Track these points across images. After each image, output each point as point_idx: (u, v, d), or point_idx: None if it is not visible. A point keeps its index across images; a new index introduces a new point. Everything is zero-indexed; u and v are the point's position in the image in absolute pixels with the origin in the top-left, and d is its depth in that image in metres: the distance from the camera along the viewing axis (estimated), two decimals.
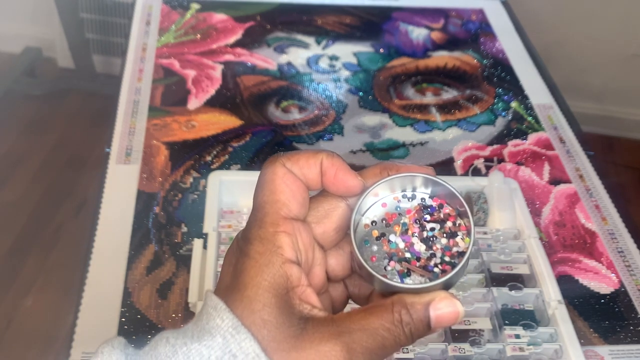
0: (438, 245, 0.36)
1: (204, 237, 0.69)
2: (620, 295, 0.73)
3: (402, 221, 0.37)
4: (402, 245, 0.36)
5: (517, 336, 0.63)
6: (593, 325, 0.69)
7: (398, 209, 0.38)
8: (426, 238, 0.36)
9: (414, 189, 0.38)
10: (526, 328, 0.64)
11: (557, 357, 0.63)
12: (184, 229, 0.75)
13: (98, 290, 0.68)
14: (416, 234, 0.36)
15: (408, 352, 0.61)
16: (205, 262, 0.67)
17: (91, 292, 0.68)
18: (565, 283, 0.72)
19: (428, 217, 0.37)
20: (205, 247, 0.68)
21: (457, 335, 0.64)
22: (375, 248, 0.36)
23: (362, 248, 0.36)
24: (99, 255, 0.72)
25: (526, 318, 0.65)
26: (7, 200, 1.79)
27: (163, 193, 0.80)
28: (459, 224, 0.37)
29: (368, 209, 0.38)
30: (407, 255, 0.36)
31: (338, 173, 0.36)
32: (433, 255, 0.36)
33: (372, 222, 0.37)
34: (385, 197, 0.38)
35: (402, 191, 0.38)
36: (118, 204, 0.78)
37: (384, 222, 0.37)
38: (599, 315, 0.70)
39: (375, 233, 0.37)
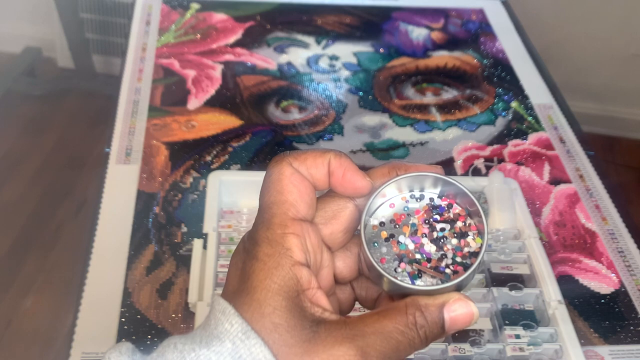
0: (449, 246, 0.35)
1: (204, 237, 0.69)
2: (620, 295, 0.72)
3: (411, 222, 0.36)
4: (412, 246, 0.36)
5: (517, 336, 0.63)
6: (593, 325, 0.69)
7: (406, 209, 0.37)
8: (436, 238, 0.36)
9: (421, 189, 0.37)
10: (526, 328, 0.64)
11: (557, 357, 0.63)
12: (184, 229, 0.75)
13: (98, 290, 0.68)
14: (426, 235, 0.36)
15: None
16: (205, 262, 0.66)
17: (91, 292, 0.68)
18: (566, 283, 0.72)
19: (437, 217, 0.36)
20: (205, 247, 0.68)
21: (457, 335, 0.64)
22: (384, 249, 0.36)
23: (371, 250, 0.35)
24: (99, 255, 0.72)
25: (526, 318, 0.65)
26: (7, 200, 1.79)
27: (163, 193, 0.80)
28: (469, 224, 0.36)
29: (376, 209, 0.37)
30: (418, 256, 0.35)
31: (346, 173, 0.35)
32: (444, 256, 0.35)
33: (381, 223, 0.37)
34: (393, 197, 0.37)
35: (410, 191, 0.37)
36: (118, 204, 0.78)
37: (392, 223, 0.36)
38: (599, 315, 0.70)
39: (384, 234, 0.36)
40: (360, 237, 0.36)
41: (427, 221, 0.36)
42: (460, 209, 0.36)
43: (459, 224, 0.36)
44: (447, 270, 0.35)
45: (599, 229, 0.80)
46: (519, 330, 0.64)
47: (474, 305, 0.33)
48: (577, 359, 0.62)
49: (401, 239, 0.36)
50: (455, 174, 0.86)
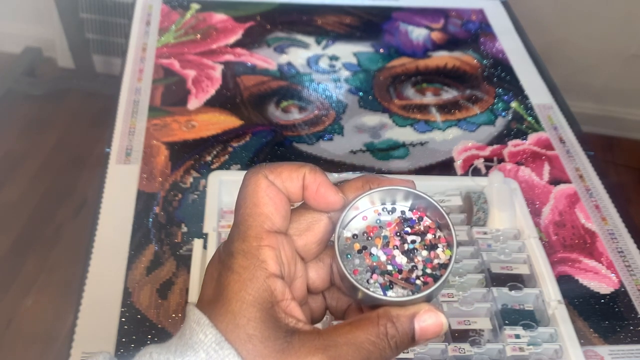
0: (419, 258, 0.36)
1: (204, 237, 0.69)
2: (620, 295, 0.73)
3: (383, 234, 0.37)
4: (383, 258, 0.37)
5: (517, 336, 0.63)
6: (593, 325, 0.69)
7: (378, 221, 0.38)
8: (407, 250, 0.37)
9: (393, 202, 0.38)
10: (526, 328, 0.64)
11: (557, 357, 0.63)
12: (184, 229, 0.75)
13: (98, 290, 0.68)
14: (397, 247, 0.37)
15: (408, 352, 0.61)
16: (205, 262, 0.66)
17: (91, 292, 0.68)
18: (565, 283, 0.72)
19: (409, 230, 0.37)
20: (205, 247, 0.68)
21: (457, 335, 0.64)
22: (357, 261, 0.37)
23: (344, 261, 0.36)
24: (99, 255, 0.72)
25: (526, 318, 0.65)
26: (7, 200, 1.79)
27: (163, 193, 0.80)
28: (439, 236, 0.37)
29: (349, 222, 0.38)
30: (389, 267, 0.36)
31: (320, 188, 0.36)
32: (414, 267, 0.36)
33: (354, 235, 0.38)
34: (366, 210, 0.38)
35: (382, 204, 0.38)
36: (118, 204, 0.78)
37: (365, 235, 0.38)
38: (599, 315, 0.70)
39: (357, 246, 0.37)
40: (333, 248, 0.37)
41: (398, 233, 0.37)
42: (430, 221, 0.38)
43: (429, 236, 0.37)
44: (418, 282, 0.36)
45: (598, 229, 0.80)
46: (519, 330, 0.64)
47: (443, 316, 0.34)
48: (577, 359, 0.62)
49: (373, 250, 0.37)
50: (455, 174, 0.86)
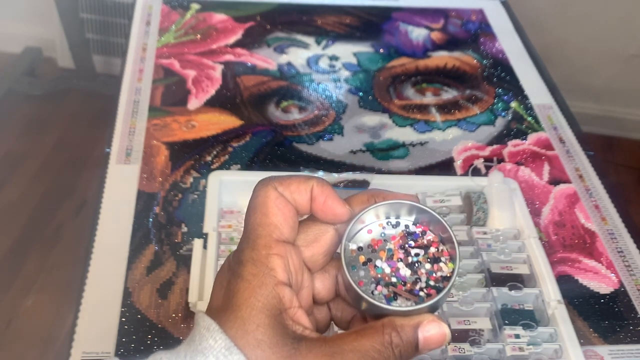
0: (422, 270, 0.37)
1: (204, 237, 0.69)
2: (619, 295, 0.73)
3: (387, 247, 0.38)
4: (388, 270, 0.38)
5: (517, 336, 0.63)
6: (593, 325, 0.69)
7: (383, 235, 0.39)
8: (411, 263, 0.38)
9: (397, 216, 0.39)
10: (526, 328, 0.64)
11: (557, 357, 0.63)
12: (184, 229, 0.76)
13: (98, 290, 0.69)
14: (401, 260, 0.38)
15: None
16: (205, 262, 0.67)
17: (91, 292, 0.68)
18: (565, 283, 0.72)
19: (412, 243, 0.38)
20: (205, 247, 0.68)
21: (457, 335, 0.64)
22: (362, 273, 0.38)
23: (350, 273, 0.37)
24: (99, 255, 0.72)
25: (526, 318, 0.65)
26: (7, 200, 1.79)
27: (163, 193, 0.80)
28: (442, 250, 0.38)
29: (355, 234, 0.39)
30: (394, 280, 0.37)
31: (327, 200, 0.37)
32: (418, 279, 0.37)
33: (359, 247, 0.39)
34: (371, 223, 0.39)
35: (387, 218, 0.39)
36: (118, 204, 0.78)
37: (369, 247, 0.39)
38: (599, 315, 0.70)
39: (362, 258, 0.38)
40: (338, 260, 0.38)
41: (402, 247, 0.38)
42: (433, 235, 0.39)
43: (432, 249, 0.38)
44: (421, 293, 0.37)
45: (598, 229, 0.80)
46: (519, 330, 0.64)
47: (447, 327, 0.35)
48: (576, 359, 0.62)
49: (378, 263, 0.38)
50: (455, 174, 0.86)
